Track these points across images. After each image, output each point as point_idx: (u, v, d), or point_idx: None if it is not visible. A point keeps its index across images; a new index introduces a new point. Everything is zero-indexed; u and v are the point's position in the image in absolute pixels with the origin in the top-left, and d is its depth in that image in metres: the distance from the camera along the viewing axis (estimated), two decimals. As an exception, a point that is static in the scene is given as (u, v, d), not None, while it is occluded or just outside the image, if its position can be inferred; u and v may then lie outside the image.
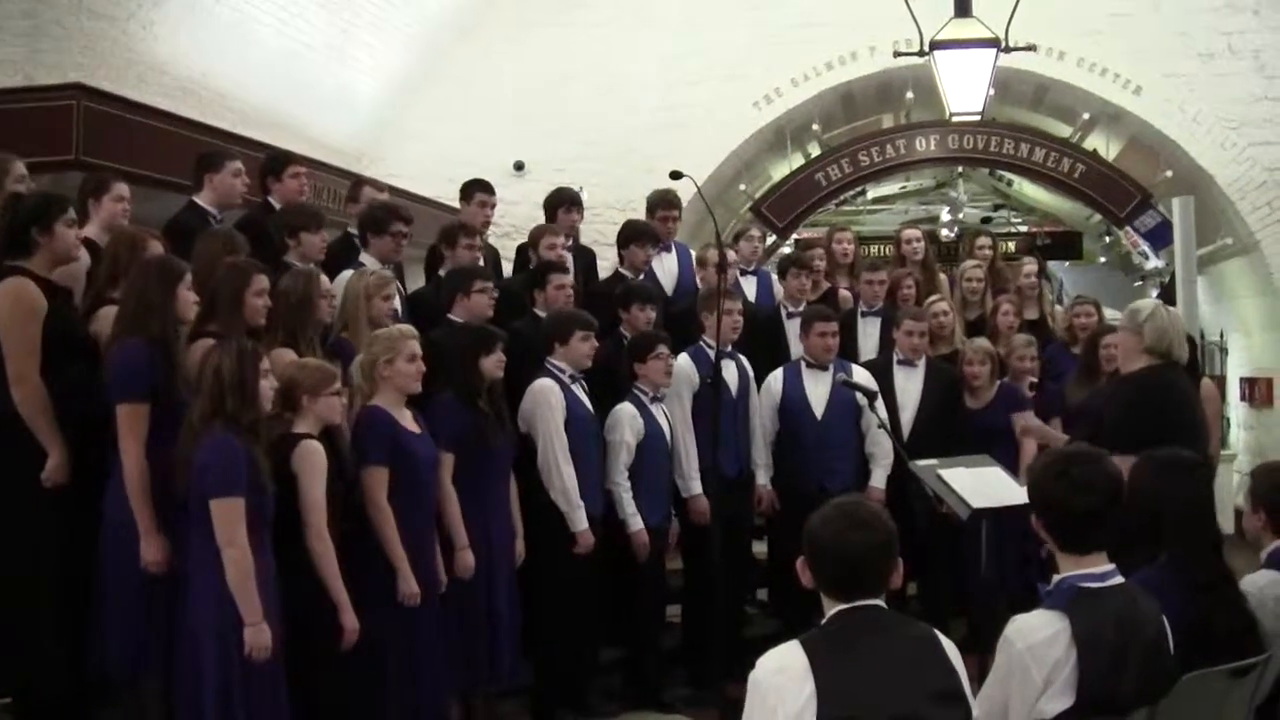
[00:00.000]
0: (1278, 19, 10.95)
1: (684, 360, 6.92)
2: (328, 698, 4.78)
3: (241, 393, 4.41)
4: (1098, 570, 3.28)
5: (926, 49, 8.91)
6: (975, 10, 8.87)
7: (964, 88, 8.93)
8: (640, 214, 8.28)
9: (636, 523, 6.44)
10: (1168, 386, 5.10)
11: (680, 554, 7.17)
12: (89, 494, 4.84)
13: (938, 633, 3.04)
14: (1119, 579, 3.29)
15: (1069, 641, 3.11)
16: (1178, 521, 3.72)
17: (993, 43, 8.75)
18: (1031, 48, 9.52)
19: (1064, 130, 12.34)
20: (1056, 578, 3.32)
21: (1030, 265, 8.89)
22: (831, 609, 2.99)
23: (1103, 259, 17.23)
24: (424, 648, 5.28)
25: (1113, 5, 11.06)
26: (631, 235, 7.64)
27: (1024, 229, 17.47)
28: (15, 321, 4.82)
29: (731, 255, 7.94)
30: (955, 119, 9.76)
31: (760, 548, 7.91)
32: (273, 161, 6.91)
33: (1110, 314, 8.86)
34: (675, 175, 6.57)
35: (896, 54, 9.75)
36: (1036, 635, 3.15)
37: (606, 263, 8.56)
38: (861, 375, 7.06)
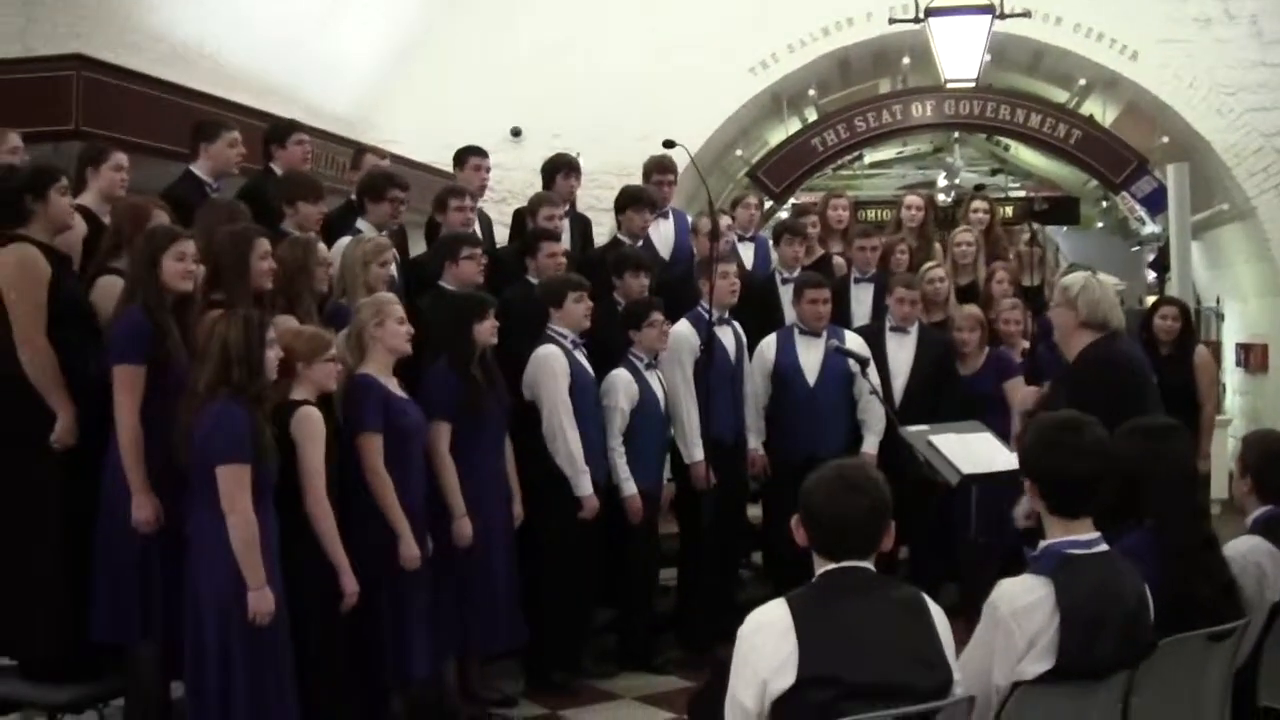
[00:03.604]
0: (1273, -18, 10.94)
1: (684, 326, 6.96)
2: (325, 662, 4.85)
3: (248, 363, 4.46)
4: (1084, 537, 3.33)
5: (922, 15, 8.91)
6: (969, -24, 8.90)
7: (959, 54, 8.99)
8: (637, 180, 8.29)
9: (630, 487, 6.50)
10: (1110, 360, 5.11)
11: (675, 518, 7.24)
12: (90, 459, 4.90)
13: (923, 595, 3.10)
14: (1104, 546, 3.35)
15: (1053, 607, 3.16)
16: (1160, 488, 3.77)
17: (987, 9, 8.80)
18: (1027, 14, 9.55)
19: (1060, 96, 12.36)
20: (1043, 543, 3.37)
21: (1025, 233, 8.91)
22: (820, 568, 3.06)
23: (1100, 224, 17.31)
24: (416, 612, 5.35)
25: (1109, -30, 11.05)
26: (629, 201, 7.65)
27: (1021, 194, 17.49)
28: (23, 285, 4.88)
29: (728, 221, 7.96)
30: (950, 85, 9.77)
31: (754, 512, 7.98)
32: (277, 129, 6.95)
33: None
34: (669, 144, 6.59)
35: (892, 20, 9.78)
36: (1021, 600, 3.20)
37: (603, 229, 8.59)
38: (854, 341, 7.11)
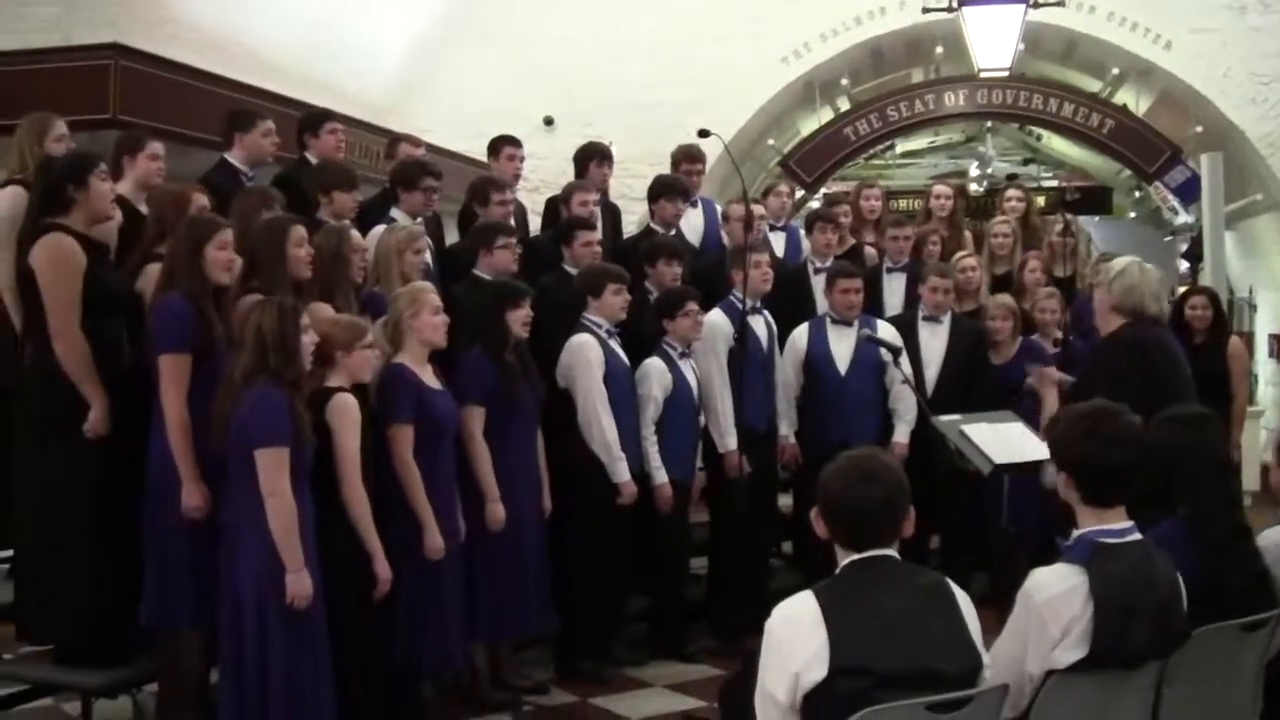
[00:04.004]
0: (1310, -28, 10.86)
1: (719, 315, 6.96)
2: (358, 647, 4.90)
3: (283, 349, 4.49)
4: (1117, 526, 3.34)
5: (956, 4, 8.88)
6: (1005, -35, 8.87)
7: (993, 44, 8.96)
8: (669, 169, 8.30)
9: (661, 475, 6.52)
10: (1131, 343, 5.11)
11: (706, 507, 7.26)
12: (128, 448, 4.93)
13: (949, 581, 3.11)
14: (1137, 535, 3.35)
15: (1086, 595, 3.18)
16: (1193, 477, 3.77)
17: (1021, -2, 8.74)
18: (1061, 3, 9.51)
19: (1094, 85, 12.32)
20: (1076, 532, 3.38)
21: (1059, 223, 8.88)
22: (844, 559, 3.07)
23: (1133, 214, 17.23)
24: (446, 598, 5.39)
25: (1143, -41, 10.99)
26: (661, 190, 7.65)
27: (1053, 184, 17.43)
28: (56, 276, 4.89)
29: (760, 210, 7.96)
30: (984, 74, 9.74)
31: (785, 501, 7.99)
32: (311, 118, 6.98)
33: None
34: (703, 134, 6.59)
35: (925, 10, 9.75)
36: (1054, 589, 3.22)
37: (633, 217, 8.60)
38: (886, 331, 7.09)
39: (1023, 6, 8.69)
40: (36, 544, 5.08)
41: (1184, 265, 15.32)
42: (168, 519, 4.79)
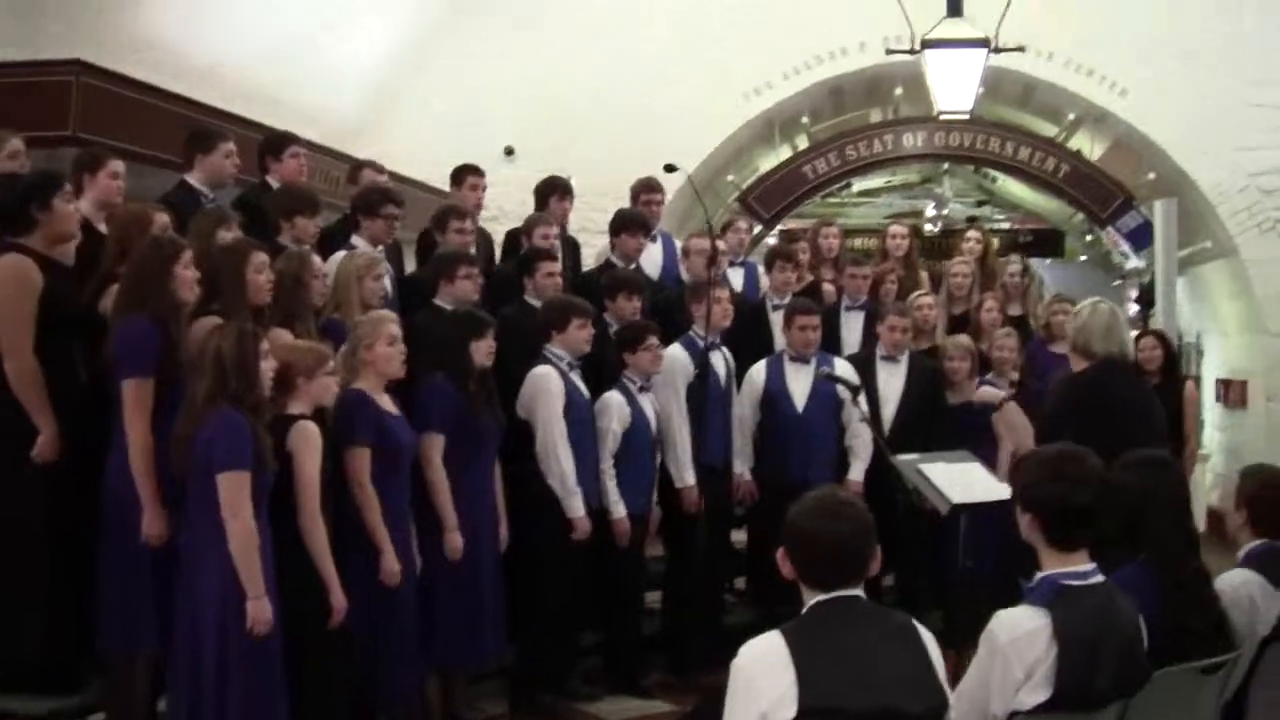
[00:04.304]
0: (1262, 24, 11.02)
1: (678, 350, 6.98)
2: (311, 675, 4.82)
3: (243, 374, 4.46)
4: (1080, 569, 3.37)
5: (918, 47, 8.96)
6: (965, 10, 8.95)
7: (954, 87, 9.04)
8: (629, 202, 8.31)
9: (619, 510, 6.50)
10: (1073, 383, 5.16)
11: (662, 541, 7.24)
12: (84, 470, 4.87)
13: (916, 623, 3.10)
14: (1100, 577, 3.38)
15: (1050, 637, 3.20)
16: (1155, 520, 3.81)
17: (983, 43, 8.84)
18: (1021, 49, 9.65)
19: (1050, 130, 12.44)
20: (1039, 575, 3.40)
21: (1015, 265, 8.97)
22: (811, 599, 3.05)
23: (1083, 257, 17.39)
24: (400, 627, 5.34)
25: (1101, 8, 11.12)
26: (623, 224, 7.67)
27: (1007, 226, 17.60)
28: (9, 297, 4.85)
29: (720, 245, 7.99)
30: (944, 117, 9.83)
31: (739, 537, 7.99)
32: (273, 141, 6.95)
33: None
34: (669, 169, 6.62)
35: (889, 51, 9.82)
36: (1019, 629, 3.24)
37: (592, 250, 8.60)
38: (844, 369, 7.13)
39: (984, 51, 8.77)
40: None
41: (1135, 309, 15.50)
42: (126, 544, 4.71)
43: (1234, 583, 4.06)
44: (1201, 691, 3.67)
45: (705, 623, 7.00)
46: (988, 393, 7.26)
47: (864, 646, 2.96)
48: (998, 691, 3.21)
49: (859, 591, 3.04)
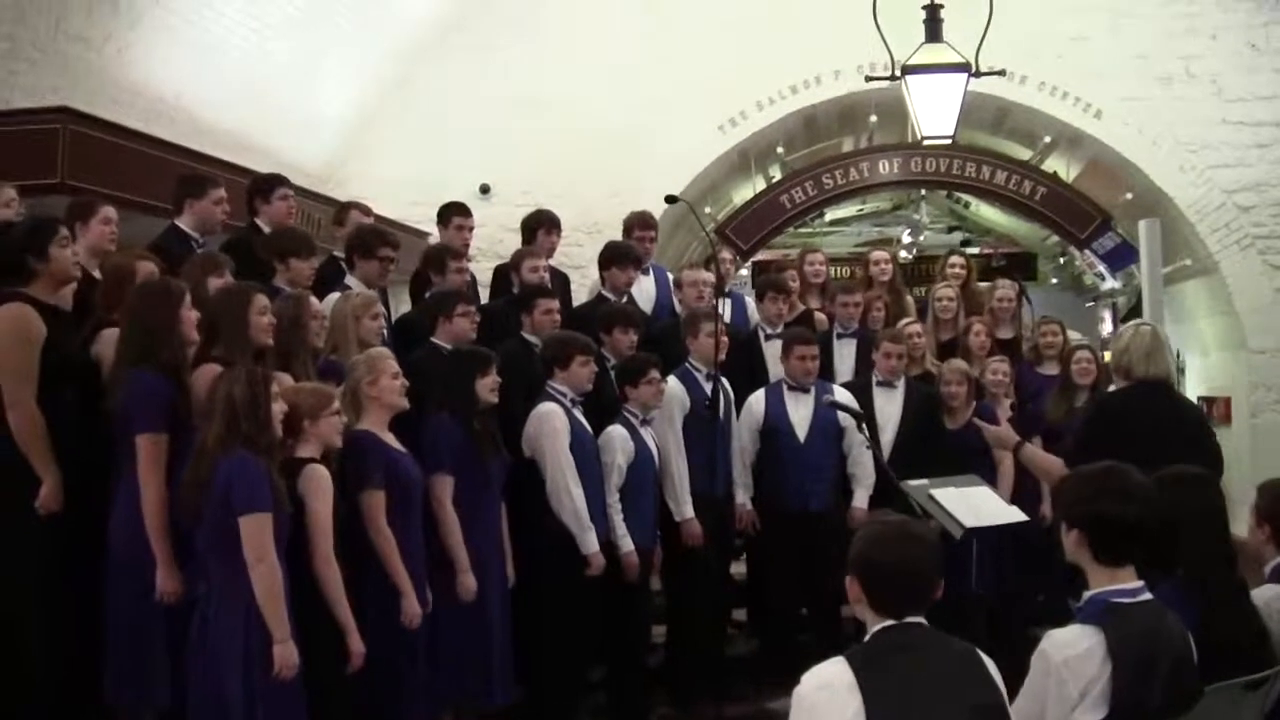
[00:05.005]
0: (1235, 43, 11.12)
1: (675, 383, 6.96)
2: (327, 716, 4.74)
3: (255, 417, 4.40)
4: (1129, 586, 3.35)
5: (898, 73, 8.98)
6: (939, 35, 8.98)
7: (935, 112, 9.03)
8: (606, 236, 8.29)
9: (627, 544, 6.44)
10: (1120, 407, 5.17)
11: (660, 575, 7.19)
12: (86, 520, 4.79)
13: (978, 650, 3.07)
14: (1148, 595, 3.35)
15: (1104, 656, 3.17)
16: (1196, 536, 3.79)
17: (963, 67, 8.85)
18: (1001, 72, 9.67)
19: (1024, 153, 12.48)
20: (1088, 594, 3.38)
21: (1005, 289, 8.97)
22: (876, 625, 3.02)
23: (1054, 280, 17.49)
24: (414, 668, 5.28)
25: (1073, 29, 11.19)
26: (613, 257, 7.64)
27: (976, 251, 17.68)
28: (13, 347, 4.79)
29: (711, 277, 7.98)
30: (927, 142, 9.85)
31: (738, 568, 7.94)
32: (262, 183, 6.91)
33: (1071, 335, 9.05)
34: (671, 200, 6.59)
35: (869, 78, 9.82)
36: (1073, 649, 3.21)
37: (573, 285, 8.56)
38: (844, 396, 7.12)
39: (965, 76, 8.78)
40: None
41: (1108, 330, 15.57)
42: (134, 595, 4.64)
43: (1265, 597, 4.05)
44: (1244, 706, 3.65)
45: (708, 655, 6.94)
46: (1001, 435, 7.08)
47: (929, 673, 2.94)
48: (1053, 711, 3.19)
49: (922, 619, 3.01)
